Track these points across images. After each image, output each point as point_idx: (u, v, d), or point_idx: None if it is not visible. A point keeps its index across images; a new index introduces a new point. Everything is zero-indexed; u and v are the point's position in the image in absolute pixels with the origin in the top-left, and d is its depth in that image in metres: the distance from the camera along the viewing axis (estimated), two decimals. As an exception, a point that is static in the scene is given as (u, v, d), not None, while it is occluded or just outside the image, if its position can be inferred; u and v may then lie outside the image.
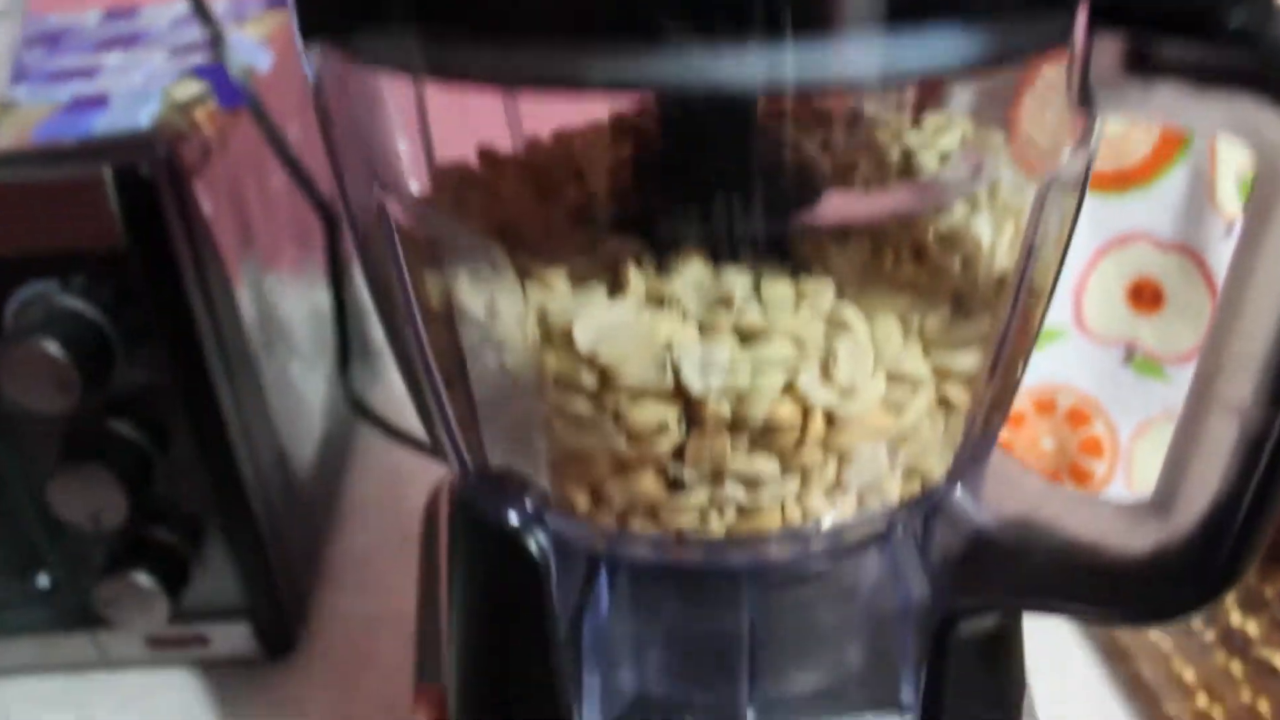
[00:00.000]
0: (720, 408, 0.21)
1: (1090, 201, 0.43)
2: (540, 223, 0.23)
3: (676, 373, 0.21)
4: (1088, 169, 0.24)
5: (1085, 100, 0.21)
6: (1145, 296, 0.45)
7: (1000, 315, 0.23)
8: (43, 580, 0.47)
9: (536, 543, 0.24)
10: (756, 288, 0.22)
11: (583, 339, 0.21)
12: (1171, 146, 0.41)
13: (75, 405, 0.40)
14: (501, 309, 0.22)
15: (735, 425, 0.22)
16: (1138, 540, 0.23)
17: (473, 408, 0.24)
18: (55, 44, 0.51)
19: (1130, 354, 0.47)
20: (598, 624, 0.26)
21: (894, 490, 0.24)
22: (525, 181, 0.24)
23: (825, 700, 0.27)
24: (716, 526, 0.23)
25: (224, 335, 0.42)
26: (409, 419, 0.60)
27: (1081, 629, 0.50)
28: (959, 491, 0.26)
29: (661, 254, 0.22)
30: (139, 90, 0.43)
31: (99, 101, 0.42)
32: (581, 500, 0.24)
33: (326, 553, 0.55)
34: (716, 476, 0.22)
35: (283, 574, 0.48)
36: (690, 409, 0.22)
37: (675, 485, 0.23)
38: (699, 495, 0.23)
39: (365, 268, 0.25)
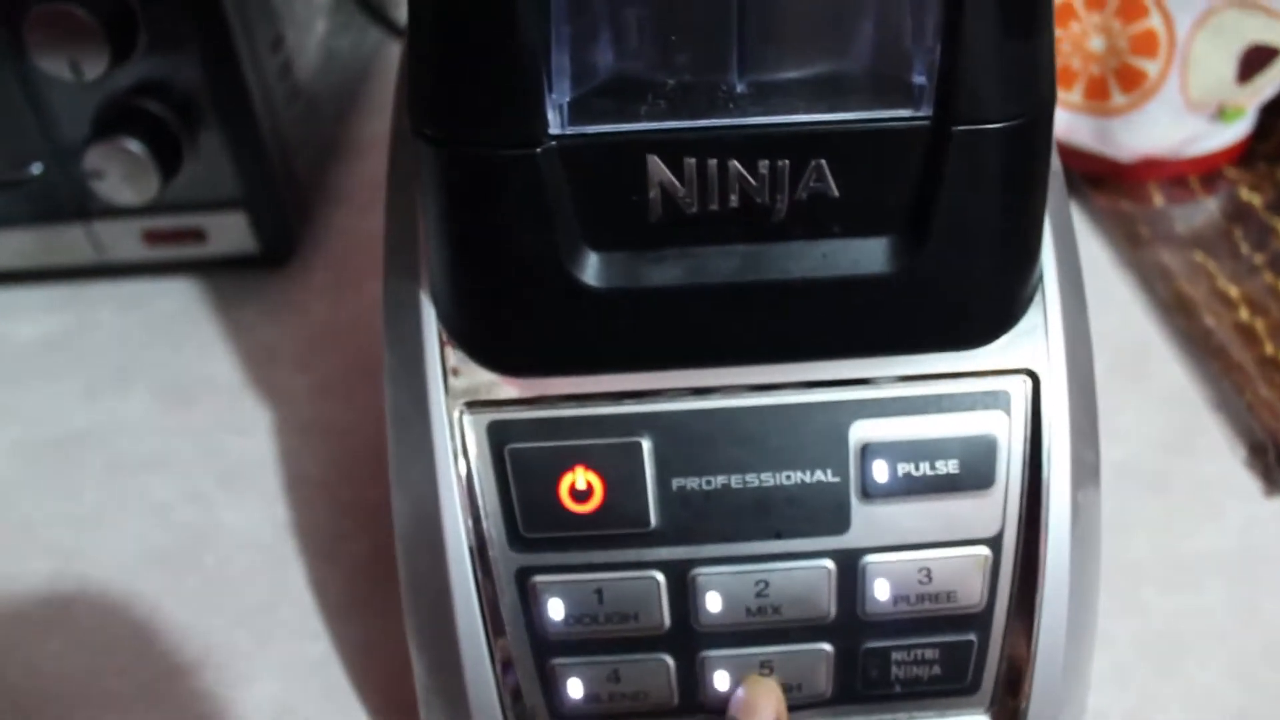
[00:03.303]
0: None
1: None
2: None
3: None
4: None
5: None
6: None
7: None
8: (35, 168, 0.45)
9: None
10: None
11: None
12: None
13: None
14: None
15: None
16: None
17: None
18: None
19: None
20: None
21: None
22: None
23: (825, 87, 0.24)
24: None
25: None
26: None
27: (1122, 259, 0.48)
28: None
29: None
30: None
31: None
32: None
33: (337, 179, 0.53)
34: None
35: (280, 164, 0.46)
36: None
37: None
38: None
39: None
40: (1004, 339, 0.27)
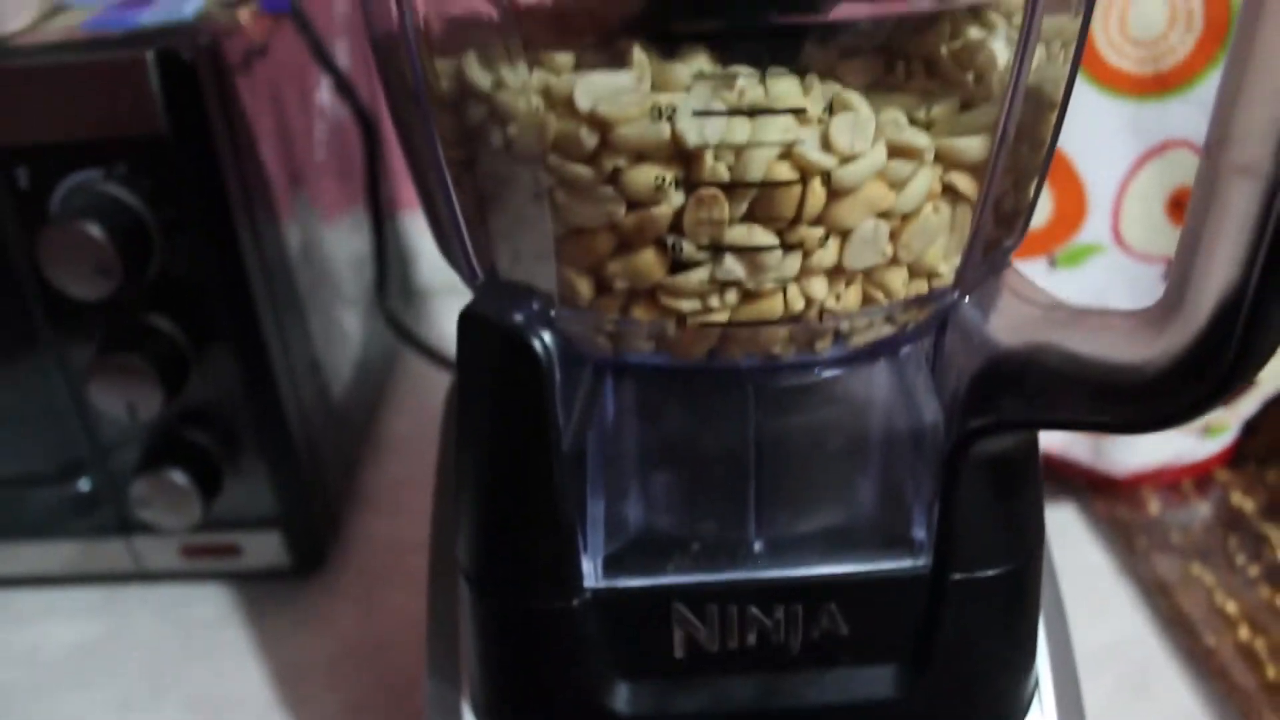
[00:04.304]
0: (717, 168, 0.21)
1: (1128, 108, 0.42)
2: (553, 22, 0.23)
3: (674, 127, 0.21)
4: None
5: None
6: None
7: (1006, 107, 0.23)
8: (83, 484, 0.47)
9: (541, 342, 0.25)
10: (762, 81, 0.22)
11: (583, 100, 0.21)
12: (1211, 45, 0.40)
13: (114, 291, 0.40)
14: (508, 80, 0.22)
15: (732, 189, 0.22)
16: (1147, 346, 0.22)
17: (480, 202, 0.24)
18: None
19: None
20: (603, 440, 0.26)
21: (899, 284, 0.24)
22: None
23: (834, 540, 0.27)
24: (718, 311, 0.23)
25: (260, 231, 0.43)
26: (445, 348, 0.60)
27: (1121, 566, 0.49)
28: (969, 306, 0.26)
29: (670, 50, 0.22)
30: (186, -7, 0.44)
31: (147, 1, 0.43)
32: (585, 288, 0.24)
33: (363, 480, 0.55)
34: (716, 252, 0.22)
35: (315, 485, 0.48)
36: (688, 171, 0.22)
37: (676, 264, 0.23)
38: (699, 273, 0.23)
39: (379, 61, 0.25)
40: (1007, 745, 0.29)
